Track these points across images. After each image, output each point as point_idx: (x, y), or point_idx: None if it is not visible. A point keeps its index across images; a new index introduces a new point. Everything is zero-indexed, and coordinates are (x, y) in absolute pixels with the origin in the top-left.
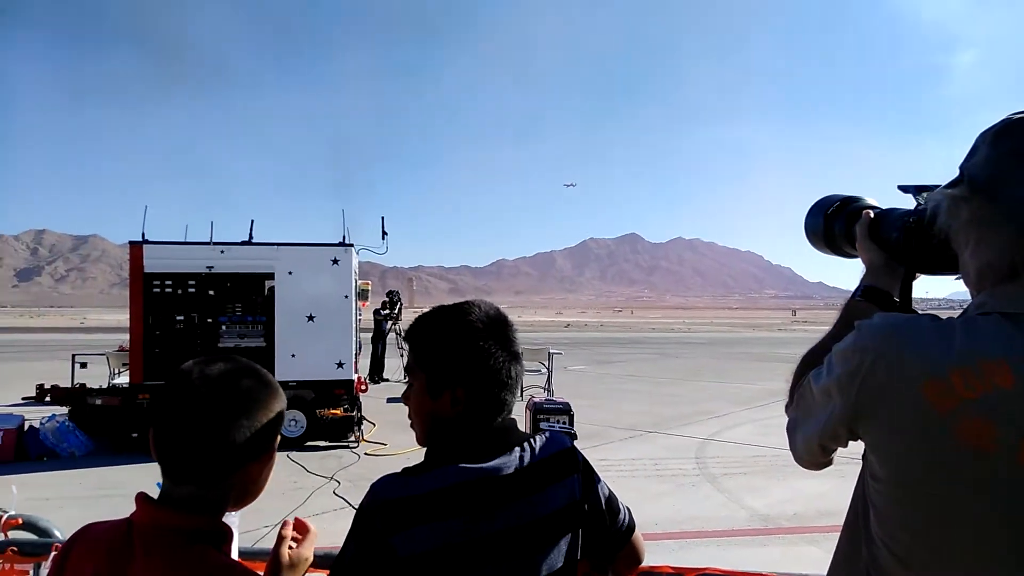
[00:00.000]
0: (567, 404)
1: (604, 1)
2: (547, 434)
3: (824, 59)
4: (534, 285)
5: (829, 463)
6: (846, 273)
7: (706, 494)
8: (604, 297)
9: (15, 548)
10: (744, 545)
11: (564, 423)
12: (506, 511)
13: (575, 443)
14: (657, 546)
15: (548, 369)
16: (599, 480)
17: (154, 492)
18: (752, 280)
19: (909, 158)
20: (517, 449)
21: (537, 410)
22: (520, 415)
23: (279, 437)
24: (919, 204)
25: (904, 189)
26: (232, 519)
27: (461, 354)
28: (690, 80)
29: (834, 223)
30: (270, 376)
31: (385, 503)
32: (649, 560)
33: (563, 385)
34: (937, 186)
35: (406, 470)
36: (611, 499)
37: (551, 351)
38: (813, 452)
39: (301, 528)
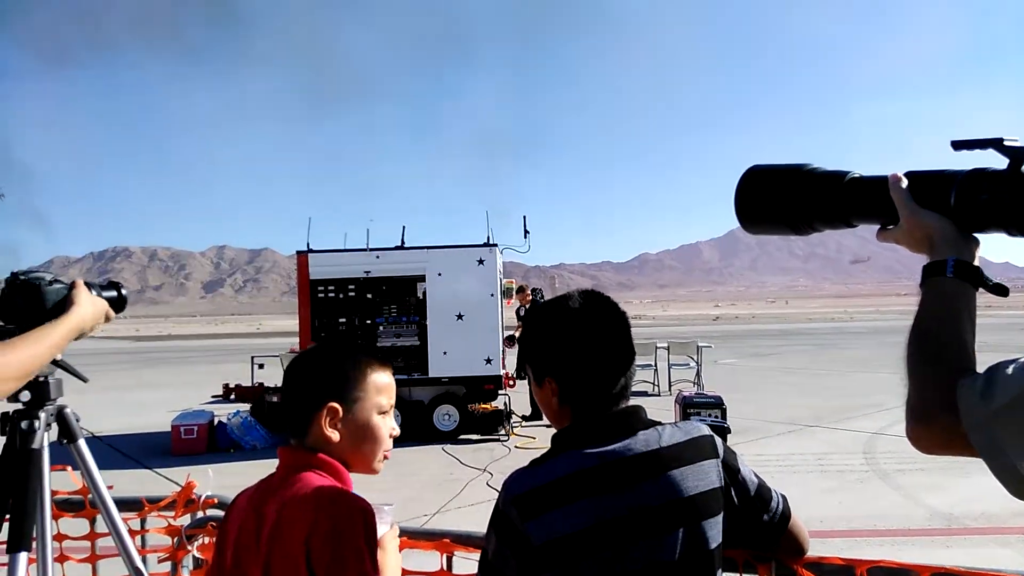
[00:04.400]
0: (719, 397)
1: None
2: (680, 422)
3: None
4: (679, 278)
5: None
6: None
7: (877, 491)
8: (756, 288)
9: (214, 523)
10: (923, 546)
11: (716, 417)
12: (635, 492)
13: (728, 438)
14: (823, 544)
15: (697, 363)
16: (744, 468)
17: None
18: (923, 263)
19: None
20: (642, 434)
21: (687, 404)
22: (670, 410)
23: (363, 401)
24: (1016, 156)
25: (968, 145)
26: (385, 514)
27: (548, 343)
28: (846, 54)
29: (815, 194)
30: (358, 350)
31: (516, 497)
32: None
33: (714, 379)
34: (1000, 141)
35: (533, 462)
36: (761, 487)
37: (700, 344)
38: None
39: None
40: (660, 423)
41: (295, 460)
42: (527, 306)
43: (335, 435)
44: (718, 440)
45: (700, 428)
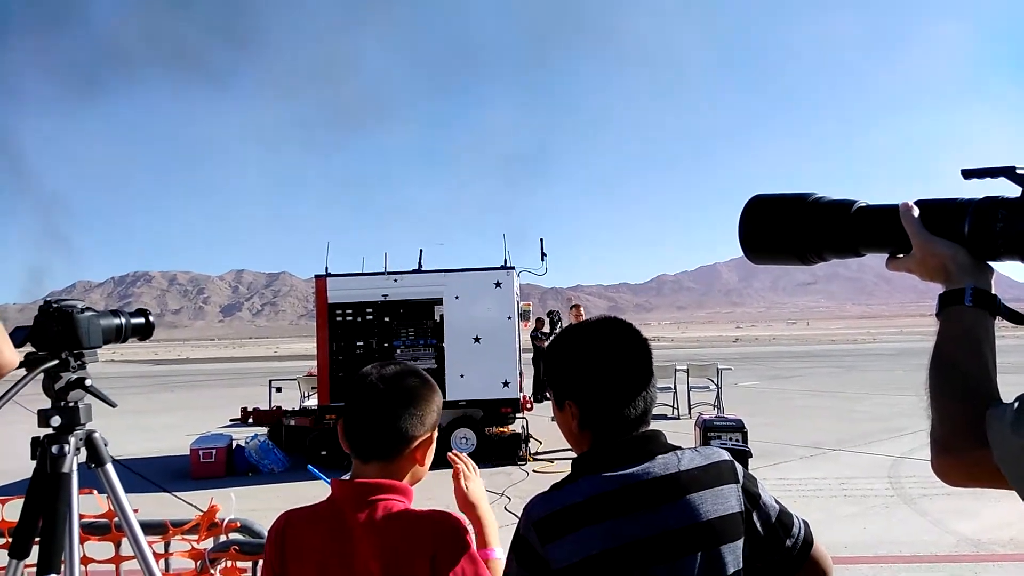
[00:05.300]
0: (740, 421)
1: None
2: (700, 447)
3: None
4: (697, 299)
5: None
6: None
7: (903, 516)
8: (775, 309)
9: (237, 547)
10: (951, 573)
11: (737, 440)
12: (654, 515)
13: (750, 462)
14: (849, 571)
15: (717, 385)
16: (764, 494)
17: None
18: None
19: None
20: (661, 457)
21: (707, 427)
22: (690, 433)
23: (437, 428)
24: None
25: (979, 173)
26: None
27: (568, 367)
28: (868, 72)
29: (823, 224)
30: (429, 376)
31: (536, 522)
32: None
33: (734, 402)
34: (1012, 169)
35: (553, 486)
36: (782, 513)
37: (719, 367)
38: None
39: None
40: (679, 447)
41: (378, 488)
42: (550, 328)
43: (424, 460)
44: (738, 466)
45: (720, 453)
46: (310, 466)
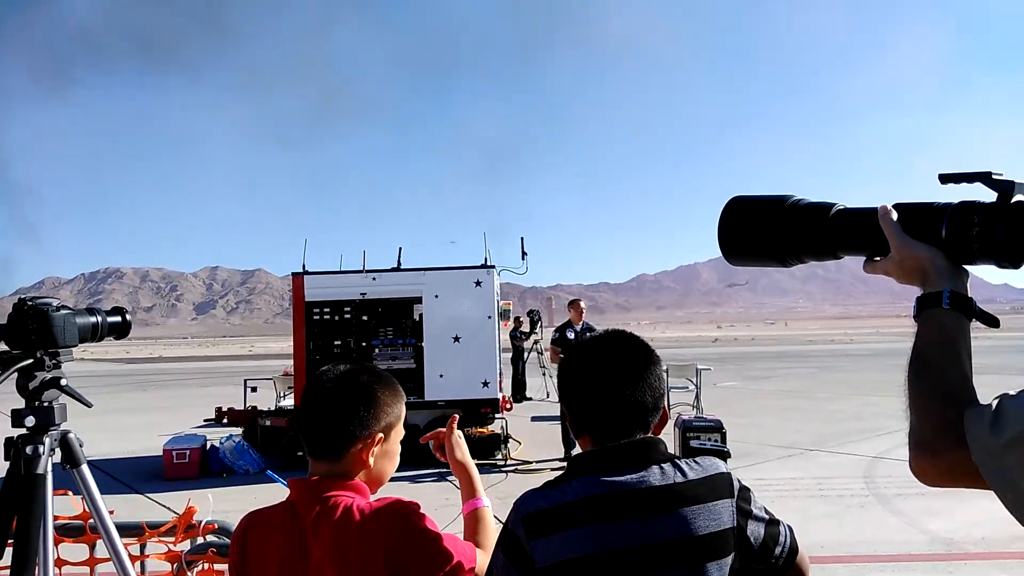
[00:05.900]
0: (719, 421)
1: None
2: (699, 457)
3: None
4: (677, 299)
5: None
6: None
7: (877, 516)
8: (754, 309)
9: (215, 549)
10: (925, 571)
11: (716, 441)
12: (644, 525)
13: (728, 462)
14: (824, 570)
15: (696, 386)
16: (756, 508)
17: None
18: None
19: None
20: (657, 467)
21: (686, 428)
22: (669, 434)
23: (395, 427)
24: (1005, 189)
25: (956, 178)
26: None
27: (561, 374)
28: (848, 72)
29: (802, 228)
30: (386, 375)
31: (525, 517)
32: None
33: (713, 402)
34: (988, 174)
35: (547, 483)
36: (771, 524)
37: (699, 367)
38: None
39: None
40: (679, 457)
41: (329, 486)
42: (530, 328)
43: (373, 461)
44: (735, 479)
45: (717, 465)
46: (268, 471)
